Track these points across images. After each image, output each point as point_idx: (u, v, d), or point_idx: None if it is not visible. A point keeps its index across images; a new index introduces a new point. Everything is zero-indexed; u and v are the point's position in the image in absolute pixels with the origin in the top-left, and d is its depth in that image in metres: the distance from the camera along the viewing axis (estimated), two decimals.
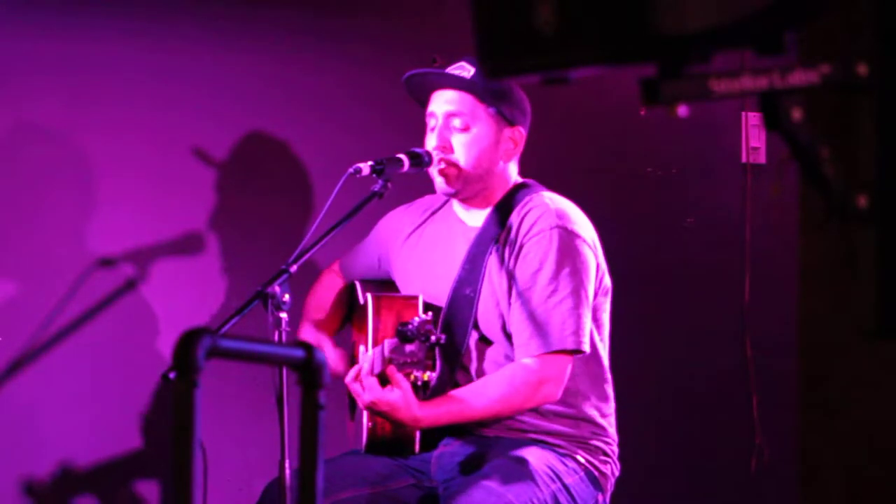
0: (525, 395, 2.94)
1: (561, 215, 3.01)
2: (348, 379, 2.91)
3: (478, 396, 2.94)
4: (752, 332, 4.24)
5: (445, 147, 3.07)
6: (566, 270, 2.96)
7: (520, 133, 3.11)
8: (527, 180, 3.16)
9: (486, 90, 3.05)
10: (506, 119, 3.09)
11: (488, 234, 3.07)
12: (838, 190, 1.42)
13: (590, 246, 3.02)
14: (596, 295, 3.04)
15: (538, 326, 2.94)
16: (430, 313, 2.84)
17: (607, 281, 3.10)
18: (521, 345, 2.97)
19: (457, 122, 3.07)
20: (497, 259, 3.03)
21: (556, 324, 2.94)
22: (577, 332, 2.95)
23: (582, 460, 3.03)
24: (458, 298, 3.04)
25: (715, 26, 1.34)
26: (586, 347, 2.97)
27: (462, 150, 3.06)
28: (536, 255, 2.98)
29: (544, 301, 2.95)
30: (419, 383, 2.87)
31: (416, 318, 2.81)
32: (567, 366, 2.97)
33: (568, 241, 2.98)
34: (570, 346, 2.94)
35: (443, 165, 3.06)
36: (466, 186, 3.08)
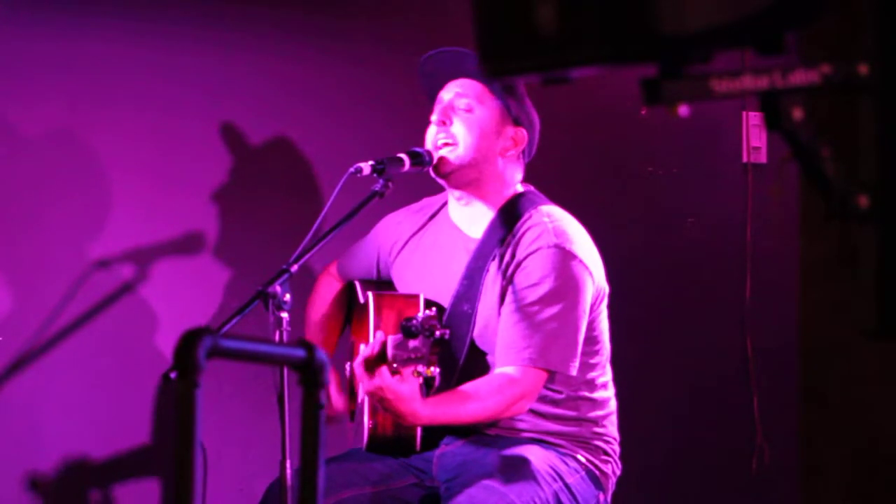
0: (506, 406, 2.94)
1: (559, 234, 3.00)
2: (356, 363, 2.89)
3: (472, 401, 2.93)
4: (752, 332, 4.24)
5: (446, 122, 3.07)
6: (559, 291, 2.95)
7: (521, 135, 3.10)
8: (528, 189, 3.15)
9: (497, 83, 3.05)
10: (511, 115, 3.09)
11: (487, 249, 3.05)
12: (839, 190, 1.42)
13: (586, 266, 3.00)
14: (592, 309, 3.03)
15: (523, 339, 2.93)
16: (434, 309, 2.83)
17: (604, 286, 3.09)
18: (501, 353, 2.96)
19: (462, 103, 3.07)
20: (494, 277, 3.02)
21: (541, 341, 2.93)
22: (561, 352, 2.94)
23: (583, 459, 3.03)
24: (457, 314, 3.04)
25: (715, 26, 1.34)
26: (573, 371, 2.97)
27: (462, 128, 3.06)
28: (531, 272, 2.97)
29: (532, 317, 2.94)
30: (422, 379, 2.86)
31: (421, 314, 2.80)
32: (542, 383, 2.97)
33: (564, 261, 2.97)
34: (551, 366, 2.94)
35: (441, 142, 3.05)
36: (460, 170, 3.07)
